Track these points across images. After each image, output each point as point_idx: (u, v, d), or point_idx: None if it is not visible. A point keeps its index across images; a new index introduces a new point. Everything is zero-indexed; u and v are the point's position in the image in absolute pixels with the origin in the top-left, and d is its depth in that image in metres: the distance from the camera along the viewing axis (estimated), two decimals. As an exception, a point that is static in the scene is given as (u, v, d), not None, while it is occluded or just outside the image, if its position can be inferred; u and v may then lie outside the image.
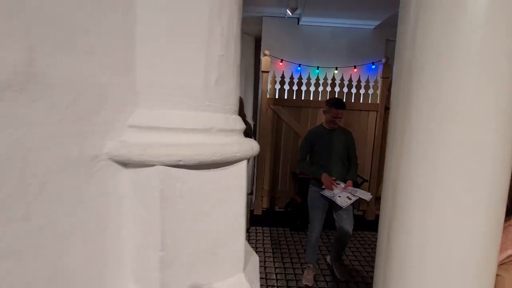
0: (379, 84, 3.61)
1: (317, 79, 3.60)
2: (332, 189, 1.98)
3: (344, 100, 3.65)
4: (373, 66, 3.71)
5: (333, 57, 3.73)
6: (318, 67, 3.67)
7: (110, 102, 0.46)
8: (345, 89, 3.63)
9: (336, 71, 3.70)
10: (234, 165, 0.53)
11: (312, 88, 3.59)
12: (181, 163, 0.45)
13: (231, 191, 0.53)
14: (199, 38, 0.49)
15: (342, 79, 3.61)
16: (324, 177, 2.00)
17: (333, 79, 3.61)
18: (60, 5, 0.40)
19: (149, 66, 0.48)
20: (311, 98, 3.61)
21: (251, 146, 0.56)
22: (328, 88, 3.60)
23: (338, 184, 2.03)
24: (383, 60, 3.55)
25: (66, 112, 0.42)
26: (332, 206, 2.12)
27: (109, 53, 0.45)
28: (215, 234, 0.52)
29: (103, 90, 0.45)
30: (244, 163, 0.55)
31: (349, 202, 1.93)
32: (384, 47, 3.87)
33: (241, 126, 0.58)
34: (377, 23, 3.64)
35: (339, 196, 1.95)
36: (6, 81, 0.36)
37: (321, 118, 3.64)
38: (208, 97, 0.51)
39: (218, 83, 0.52)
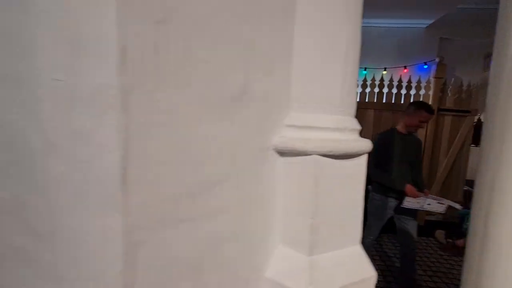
0: (432, 85, 3.49)
1: (364, 80, 3.60)
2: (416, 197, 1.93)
3: (394, 101, 3.59)
4: (426, 66, 3.60)
5: (381, 57, 3.69)
6: (365, 68, 3.66)
7: (276, 107, 0.64)
8: (394, 90, 3.57)
9: (384, 72, 3.67)
10: (360, 157, 0.67)
11: (359, 90, 3.60)
12: (331, 153, 0.61)
13: (356, 177, 0.68)
14: (339, 60, 0.64)
15: (391, 80, 3.56)
16: (409, 188, 1.93)
17: (381, 80, 3.58)
18: (259, 44, 0.58)
19: (301, 82, 0.65)
20: (358, 100, 3.62)
21: (368, 143, 0.70)
22: (376, 89, 3.58)
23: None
24: (437, 60, 3.43)
25: (255, 114, 0.60)
26: (396, 212, 2.06)
27: (278, 73, 0.63)
28: (345, 209, 0.67)
29: (274, 99, 0.63)
30: (366, 156, 0.69)
31: (444, 207, 1.90)
32: (436, 46, 3.73)
33: (359, 126, 0.72)
34: (430, 21, 3.53)
35: (429, 204, 1.90)
36: (236, 95, 0.55)
37: (367, 119, 3.63)
38: (343, 104, 0.66)
39: (348, 93, 0.67)
